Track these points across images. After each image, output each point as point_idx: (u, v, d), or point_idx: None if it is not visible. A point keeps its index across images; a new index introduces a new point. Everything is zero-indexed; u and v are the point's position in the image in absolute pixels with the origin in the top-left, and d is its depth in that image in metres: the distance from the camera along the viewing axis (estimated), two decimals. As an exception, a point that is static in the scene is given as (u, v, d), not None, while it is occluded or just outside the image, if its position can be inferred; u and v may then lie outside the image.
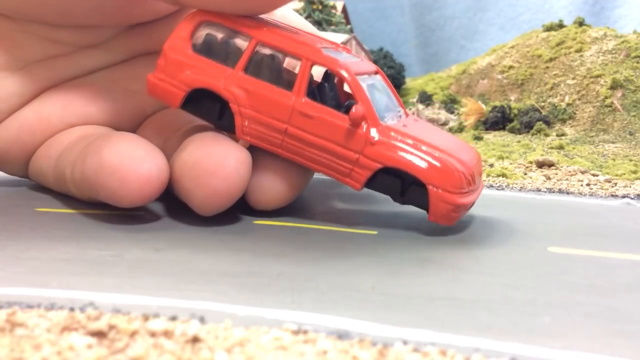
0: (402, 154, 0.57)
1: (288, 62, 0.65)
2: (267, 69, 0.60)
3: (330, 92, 0.62)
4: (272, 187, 0.61)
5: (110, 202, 0.57)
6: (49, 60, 0.68)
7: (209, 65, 0.60)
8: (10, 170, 0.73)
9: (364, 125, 0.57)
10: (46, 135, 0.68)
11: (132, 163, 0.54)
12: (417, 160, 0.56)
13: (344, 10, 2.15)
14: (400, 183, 0.58)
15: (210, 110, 0.61)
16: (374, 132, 0.57)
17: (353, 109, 0.57)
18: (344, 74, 0.58)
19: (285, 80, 0.60)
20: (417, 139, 0.58)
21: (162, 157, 0.56)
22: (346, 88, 0.65)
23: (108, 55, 0.71)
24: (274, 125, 0.59)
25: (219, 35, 0.62)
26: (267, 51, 0.60)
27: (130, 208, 0.64)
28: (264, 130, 0.59)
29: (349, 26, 2.05)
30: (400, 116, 0.63)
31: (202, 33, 0.61)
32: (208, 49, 0.61)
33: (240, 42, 0.60)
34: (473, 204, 0.60)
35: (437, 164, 0.56)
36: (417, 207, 0.59)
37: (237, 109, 0.59)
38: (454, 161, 0.57)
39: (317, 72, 0.63)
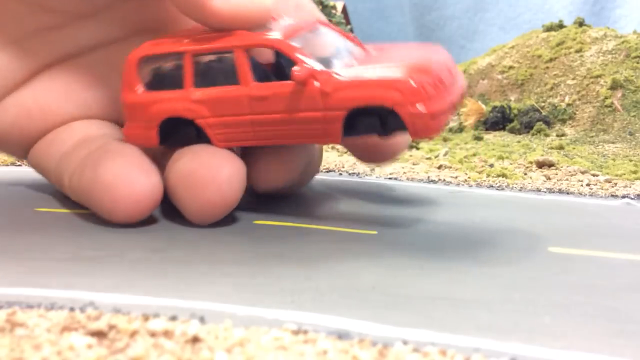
0: (357, 91, 0.55)
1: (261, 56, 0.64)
2: (213, 74, 0.61)
3: (286, 65, 0.60)
4: (273, 168, 0.62)
5: (104, 217, 0.59)
6: (42, 31, 0.66)
7: (163, 96, 0.61)
8: (9, 152, 0.74)
9: (313, 82, 0.57)
10: (47, 122, 0.68)
11: (125, 182, 0.56)
12: (373, 90, 0.55)
13: (344, 10, 2.15)
14: (379, 118, 0.56)
15: (187, 135, 0.62)
16: (323, 84, 0.56)
17: (294, 72, 0.56)
18: (272, 44, 0.59)
19: (233, 76, 0.61)
20: (365, 68, 0.57)
21: (156, 174, 0.58)
22: None
23: (102, 28, 0.69)
24: (240, 120, 0.59)
25: (159, 66, 0.63)
26: (204, 59, 0.62)
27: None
28: (234, 130, 0.60)
29: (349, 26, 2.05)
30: (354, 55, 0.62)
31: (145, 70, 0.63)
32: (156, 82, 0.62)
33: (179, 62, 0.61)
34: (454, 105, 0.59)
35: (394, 84, 0.54)
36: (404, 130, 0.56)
37: (203, 122, 0.60)
38: (409, 72, 0.55)
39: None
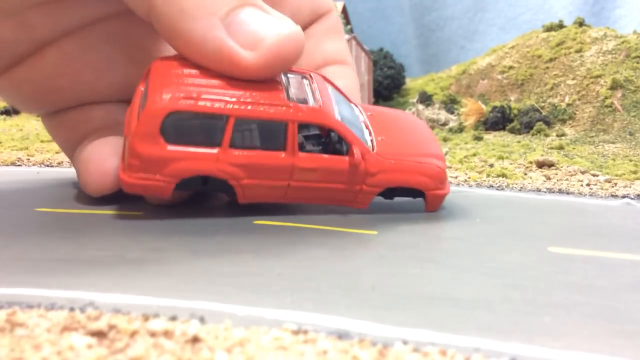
0: (397, 174, 0.64)
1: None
2: (253, 136, 0.60)
3: (312, 130, 0.64)
4: None
5: (82, 188, 0.67)
6: (44, 5, 0.66)
7: (192, 153, 0.58)
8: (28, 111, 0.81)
9: (362, 161, 0.62)
10: (60, 103, 0.71)
11: (96, 159, 0.65)
12: (411, 176, 0.65)
13: (344, 10, 2.15)
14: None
15: (194, 182, 0.60)
16: (371, 165, 0.63)
17: (354, 154, 0.61)
18: (330, 124, 0.61)
19: (274, 140, 0.60)
20: (402, 154, 0.65)
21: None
22: None
23: (103, 4, 0.68)
24: (276, 184, 0.61)
25: (191, 122, 0.59)
26: (248, 122, 0.59)
27: (130, 208, 0.64)
28: (267, 191, 0.62)
29: (349, 26, 2.05)
30: (360, 115, 0.68)
31: (172, 123, 0.57)
32: (184, 138, 0.58)
33: (217, 121, 0.58)
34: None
35: (428, 171, 0.65)
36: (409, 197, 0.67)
37: (235, 183, 0.60)
38: (434, 160, 0.66)
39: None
